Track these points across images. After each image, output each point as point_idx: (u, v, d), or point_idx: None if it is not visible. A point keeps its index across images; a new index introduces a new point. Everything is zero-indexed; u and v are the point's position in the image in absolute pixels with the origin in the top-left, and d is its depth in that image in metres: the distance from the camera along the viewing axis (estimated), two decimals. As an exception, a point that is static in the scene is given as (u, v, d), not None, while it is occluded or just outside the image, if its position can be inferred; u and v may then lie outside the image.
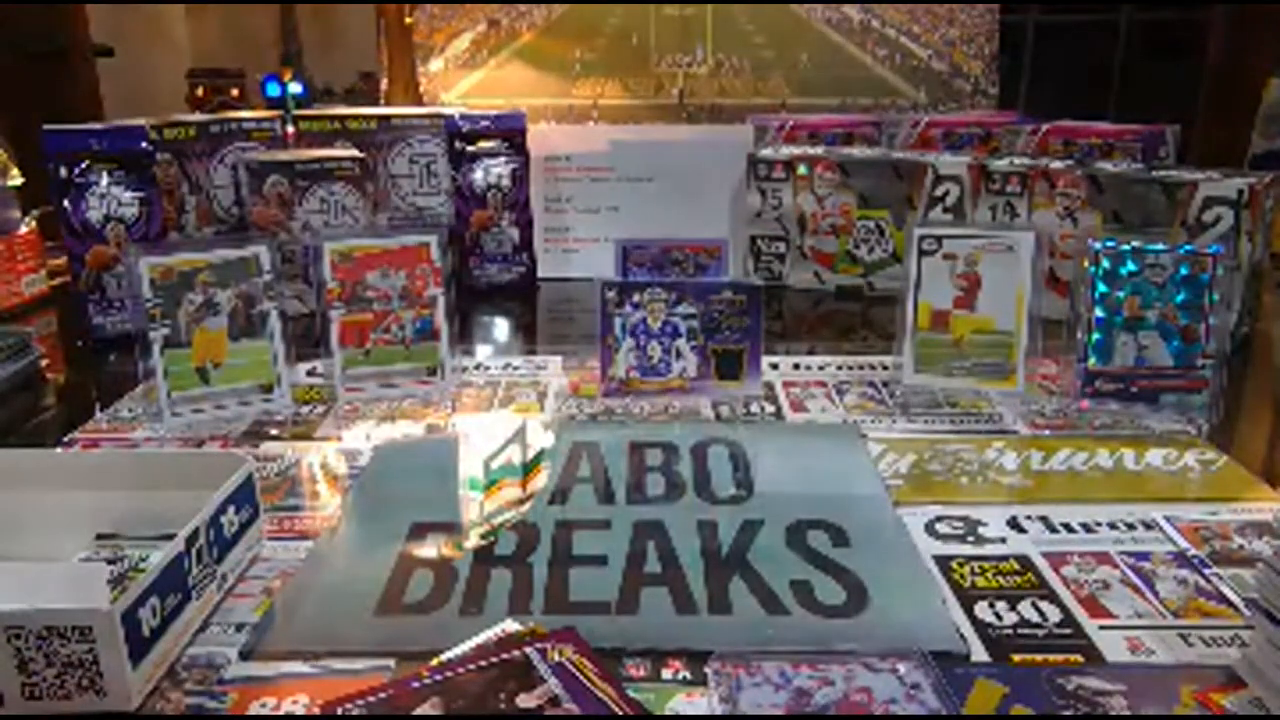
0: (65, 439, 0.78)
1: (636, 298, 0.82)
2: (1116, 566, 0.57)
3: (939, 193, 1.13)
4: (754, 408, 0.82)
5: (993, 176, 1.10)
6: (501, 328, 1.17)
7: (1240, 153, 1.68)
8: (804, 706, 0.44)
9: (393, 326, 0.84)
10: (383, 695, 0.44)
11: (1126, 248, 0.77)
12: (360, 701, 0.44)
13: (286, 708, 0.45)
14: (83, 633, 0.43)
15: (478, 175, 1.22)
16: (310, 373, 0.90)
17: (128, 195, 1.03)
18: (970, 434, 0.76)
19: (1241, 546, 0.59)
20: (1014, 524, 0.62)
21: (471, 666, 0.46)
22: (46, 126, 1.01)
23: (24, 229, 1.20)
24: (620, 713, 0.43)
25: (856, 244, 1.19)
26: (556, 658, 0.46)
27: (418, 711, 0.43)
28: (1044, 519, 0.62)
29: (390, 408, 0.83)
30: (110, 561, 0.57)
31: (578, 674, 0.45)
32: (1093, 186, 1.04)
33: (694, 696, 0.46)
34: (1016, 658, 0.48)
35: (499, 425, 0.79)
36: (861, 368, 0.92)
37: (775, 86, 1.49)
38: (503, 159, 1.22)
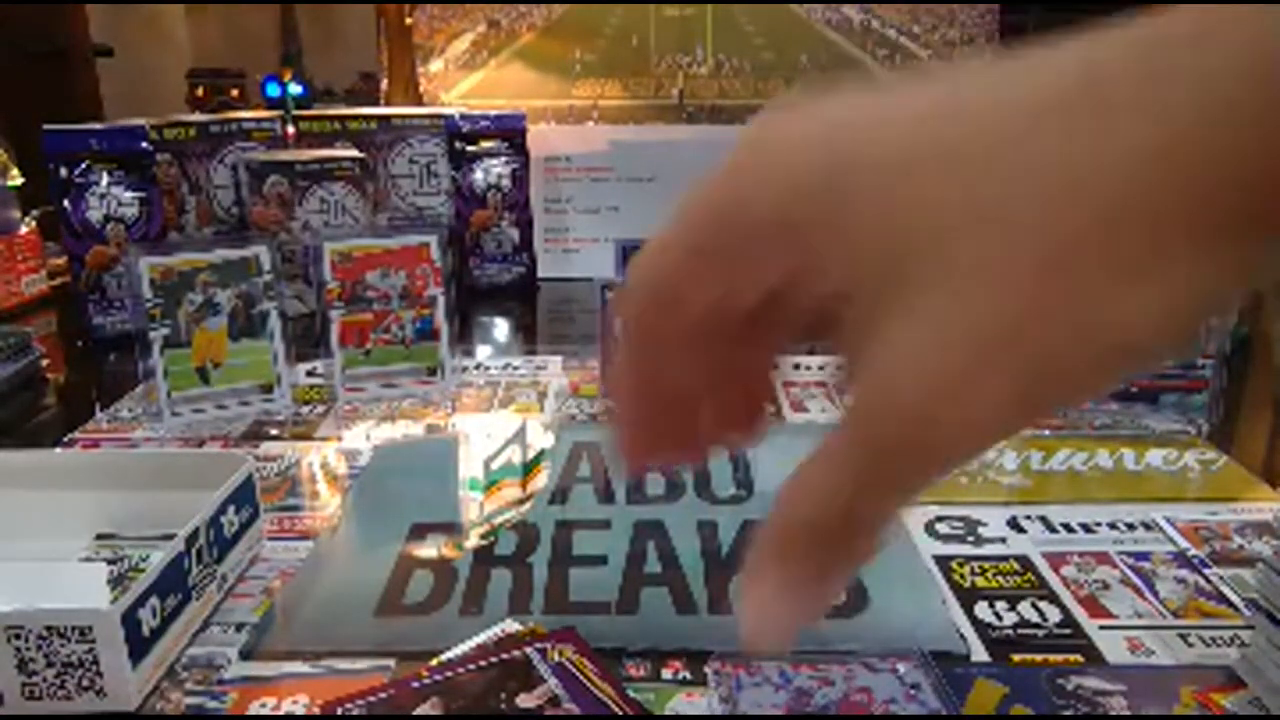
0: (65, 439, 0.78)
1: (636, 298, 0.82)
2: (1116, 566, 0.57)
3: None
4: (754, 408, 0.82)
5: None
6: (501, 328, 1.17)
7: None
8: (804, 706, 0.44)
9: (393, 326, 0.84)
10: (383, 695, 0.44)
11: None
12: (360, 701, 0.44)
13: (286, 708, 0.45)
14: (83, 633, 0.43)
15: (478, 175, 1.22)
16: (310, 373, 0.90)
17: (128, 195, 1.03)
18: (970, 434, 0.76)
19: (1241, 546, 0.59)
20: (1014, 524, 0.62)
21: (471, 666, 0.46)
22: (46, 126, 1.01)
23: (24, 229, 1.20)
24: (620, 713, 0.43)
25: (856, 244, 1.19)
26: (556, 658, 0.46)
27: (417, 711, 0.43)
28: (1044, 519, 0.63)
29: (390, 408, 0.83)
30: (110, 561, 0.57)
31: (578, 674, 0.45)
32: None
33: (694, 696, 0.46)
34: (1016, 658, 0.49)
35: (499, 425, 0.79)
36: (861, 368, 0.92)
37: (775, 87, 1.49)
38: (503, 159, 1.22)
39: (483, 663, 0.46)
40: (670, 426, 0.27)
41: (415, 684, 0.45)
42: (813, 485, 0.24)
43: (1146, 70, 0.20)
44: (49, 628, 0.43)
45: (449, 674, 0.45)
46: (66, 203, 1.01)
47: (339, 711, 0.44)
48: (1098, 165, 0.20)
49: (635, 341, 0.25)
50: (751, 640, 0.26)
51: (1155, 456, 0.71)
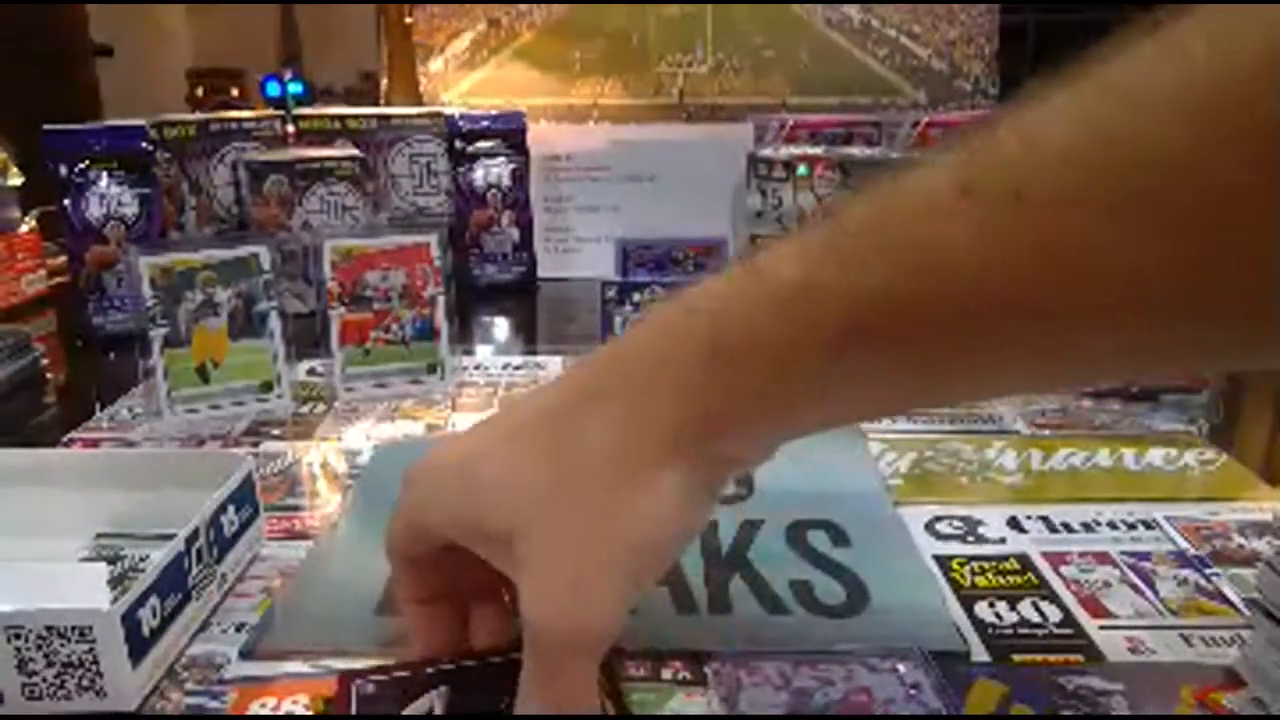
0: (65, 438, 0.78)
1: (636, 297, 0.82)
2: (1117, 566, 0.57)
3: (939, 192, 1.13)
4: (754, 407, 0.82)
5: (993, 176, 1.10)
6: (501, 327, 1.17)
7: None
8: (804, 707, 0.44)
9: (392, 326, 0.84)
10: (388, 677, 0.44)
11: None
12: (374, 678, 0.44)
13: (286, 707, 0.45)
14: (83, 633, 0.43)
15: (478, 175, 1.22)
16: (311, 372, 0.90)
17: (128, 194, 1.03)
18: (970, 433, 0.76)
19: (1242, 546, 0.59)
20: (1014, 523, 0.62)
21: (474, 661, 0.45)
22: (46, 126, 1.01)
23: (24, 229, 1.20)
24: (622, 712, 0.43)
25: (856, 243, 1.18)
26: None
27: (423, 699, 0.43)
28: (1044, 518, 0.62)
29: (390, 407, 0.83)
30: (110, 561, 0.57)
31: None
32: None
33: (694, 697, 0.46)
34: (1017, 658, 0.49)
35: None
36: (861, 367, 0.92)
37: (775, 86, 1.49)
38: (503, 158, 1.22)
39: (497, 659, 0.46)
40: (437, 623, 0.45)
41: (428, 670, 0.44)
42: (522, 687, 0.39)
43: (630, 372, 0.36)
44: (49, 628, 0.43)
45: (459, 665, 0.45)
46: (66, 202, 1.01)
47: (356, 682, 0.44)
48: (598, 431, 0.36)
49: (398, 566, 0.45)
50: None
51: (1156, 456, 0.71)
